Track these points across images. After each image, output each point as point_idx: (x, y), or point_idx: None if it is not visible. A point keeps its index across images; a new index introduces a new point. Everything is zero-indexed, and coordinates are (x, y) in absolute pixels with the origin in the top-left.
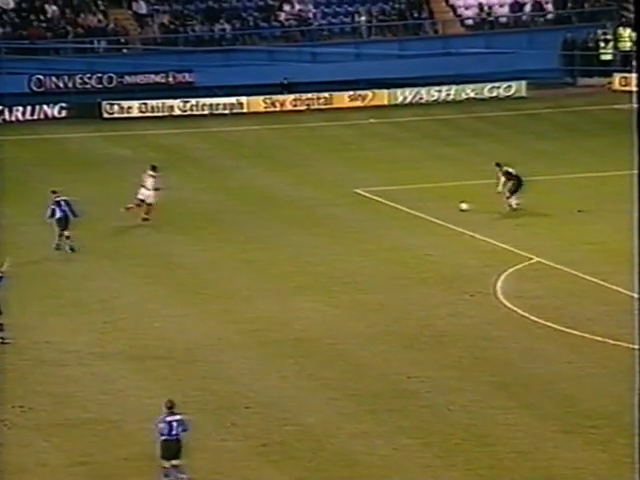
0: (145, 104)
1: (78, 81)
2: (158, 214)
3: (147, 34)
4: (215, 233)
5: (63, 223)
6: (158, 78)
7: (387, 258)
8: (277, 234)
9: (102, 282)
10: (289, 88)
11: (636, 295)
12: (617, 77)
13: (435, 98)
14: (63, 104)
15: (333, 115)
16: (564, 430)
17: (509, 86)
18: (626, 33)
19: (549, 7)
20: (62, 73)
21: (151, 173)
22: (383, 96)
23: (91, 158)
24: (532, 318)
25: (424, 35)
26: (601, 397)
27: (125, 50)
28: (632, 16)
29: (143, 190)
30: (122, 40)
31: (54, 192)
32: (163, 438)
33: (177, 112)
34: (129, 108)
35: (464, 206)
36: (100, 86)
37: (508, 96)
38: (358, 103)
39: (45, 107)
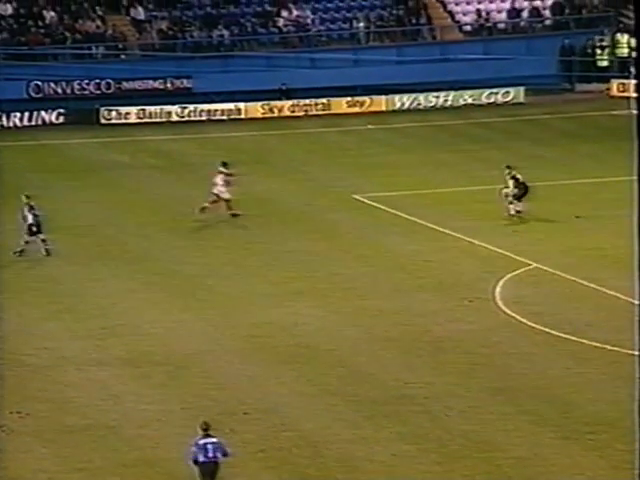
0: (143, 110)
1: (76, 87)
2: (154, 219)
3: (145, 40)
4: (213, 238)
5: (35, 227)
6: (156, 84)
7: (385, 264)
8: (275, 240)
9: (100, 288)
10: (287, 94)
11: (636, 301)
12: (615, 83)
13: (433, 104)
14: (61, 110)
15: (331, 121)
16: (562, 436)
17: (507, 92)
18: (624, 39)
19: (547, 13)
20: (60, 79)
21: (222, 169)
22: (381, 102)
23: (89, 164)
24: (530, 324)
25: (422, 41)
26: (599, 403)
27: (123, 56)
28: (630, 22)
29: (216, 188)
30: (120, 46)
31: (27, 196)
32: (201, 460)
33: (175, 118)
34: (127, 114)
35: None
36: (98, 92)
37: (506, 102)
38: (356, 109)
39: (43, 113)
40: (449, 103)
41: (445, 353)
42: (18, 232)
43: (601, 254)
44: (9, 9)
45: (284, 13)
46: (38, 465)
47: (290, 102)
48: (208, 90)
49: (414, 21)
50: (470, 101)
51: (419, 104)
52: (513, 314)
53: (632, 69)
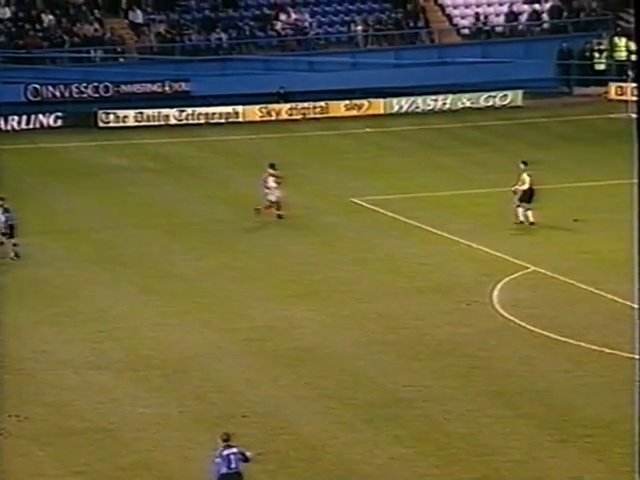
0: (141, 113)
1: (74, 90)
2: (153, 222)
3: (143, 43)
4: (211, 242)
5: (9, 230)
6: (154, 87)
7: (383, 267)
8: (273, 243)
9: (97, 291)
10: (285, 97)
11: (636, 305)
12: (613, 86)
13: (431, 107)
14: (59, 113)
15: (329, 124)
16: (560, 439)
17: (505, 95)
18: (622, 43)
19: (545, 17)
20: (58, 82)
21: (271, 171)
22: (379, 105)
23: (87, 167)
24: (528, 327)
25: (420, 44)
26: (597, 406)
27: (121, 59)
28: (628, 26)
29: (267, 190)
30: (118, 49)
31: (1, 198)
32: (223, 472)
33: (173, 121)
34: (125, 117)
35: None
36: (96, 95)
37: (504, 105)
38: (354, 112)
39: (41, 116)
40: (447, 106)
41: (443, 356)
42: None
43: (599, 257)
44: (7, 12)
45: (282, 16)
46: (36, 468)
47: (288, 105)
48: (206, 93)
49: (412, 24)
50: (468, 104)
51: (417, 107)
52: (511, 317)
53: (630, 72)
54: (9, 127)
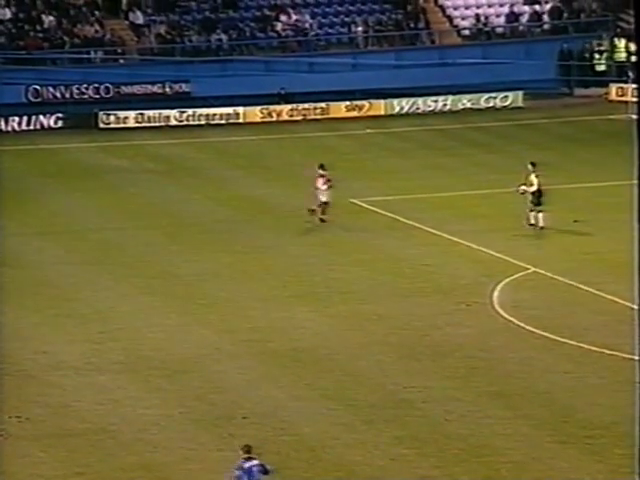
0: (142, 114)
1: (75, 91)
2: (153, 223)
3: (144, 44)
4: (211, 243)
5: None
6: (155, 88)
7: (384, 268)
8: (273, 244)
9: (98, 292)
10: (286, 98)
11: (636, 306)
12: (614, 87)
13: (432, 108)
14: (60, 114)
15: (330, 125)
16: (561, 440)
17: (506, 96)
18: (622, 44)
19: (545, 18)
20: (59, 83)
21: (321, 172)
22: (380, 106)
23: (87, 168)
24: (529, 328)
25: (421, 45)
26: (598, 407)
27: (122, 60)
28: (628, 27)
29: (317, 191)
30: (119, 50)
31: None
32: None
33: (174, 122)
34: (125, 118)
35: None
36: (97, 96)
37: (505, 106)
38: (355, 113)
39: (41, 117)
40: (448, 107)
41: (443, 357)
42: (16, 237)
43: (599, 258)
44: (7, 13)
45: (283, 17)
46: (36, 469)
47: (289, 106)
48: (207, 94)
49: (413, 25)
50: (469, 105)
51: (418, 108)
52: (511, 318)
53: (630, 73)
54: (9, 128)
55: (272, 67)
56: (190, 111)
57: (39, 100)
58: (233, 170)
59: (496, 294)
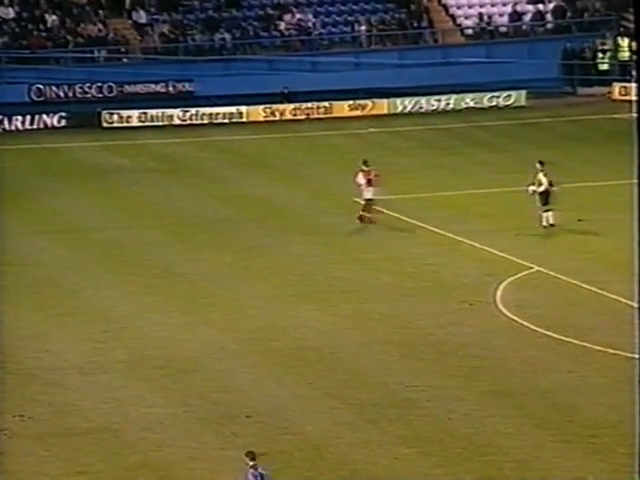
0: (145, 113)
1: (78, 90)
2: (156, 222)
3: (147, 43)
4: (214, 242)
5: None
6: (158, 87)
7: (386, 267)
8: (276, 243)
9: (101, 291)
10: (289, 97)
11: (636, 304)
12: (617, 87)
13: (435, 107)
14: (63, 113)
15: (333, 124)
16: (564, 439)
17: (509, 95)
18: (625, 43)
19: (549, 17)
20: (62, 82)
21: (363, 168)
22: (383, 105)
23: (91, 167)
24: (532, 327)
25: (424, 44)
26: (601, 407)
27: (125, 59)
28: (631, 26)
29: (361, 188)
30: (122, 49)
31: None
32: None
33: (177, 121)
34: (129, 117)
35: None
36: (100, 95)
37: (508, 105)
38: (358, 112)
39: (45, 116)
40: (451, 106)
41: (447, 356)
42: (19, 236)
43: (603, 257)
44: (11, 13)
45: (286, 16)
46: (39, 468)
47: (292, 105)
48: (210, 93)
49: (416, 25)
50: (472, 104)
51: (421, 107)
52: (514, 317)
53: (633, 72)
54: (13, 127)
55: (275, 66)
56: (193, 110)
57: (42, 99)
58: (236, 169)
59: (499, 293)
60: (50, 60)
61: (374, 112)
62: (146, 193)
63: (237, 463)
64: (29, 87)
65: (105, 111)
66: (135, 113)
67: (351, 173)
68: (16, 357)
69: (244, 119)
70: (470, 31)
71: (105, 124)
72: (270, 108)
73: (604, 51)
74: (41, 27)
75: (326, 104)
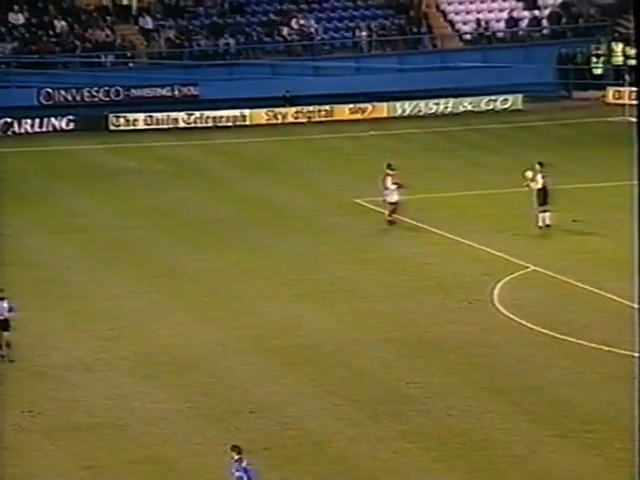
0: (151, 116)
1: (86, 94)
2: (161, 223)
3: (153, 49)
4: (218, 242)
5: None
6: (164, 91)
7: (387, 267)
8: (279, 243)
9: (108, 290)
10: (291, 101)
11: (635, 305)
12: (611, 90)
13: (433, 111)
14: (71, 117)
15: (334, 127)
16: (560, 434)
17: (506, 99)
18: (619, 48)
19: (544, 23)
20: (70, 86)
21: (389, 172)
22: (382, 109)
23: (98, 169)
24: (528, 325)
25: (423, 49)
26: (596, 402)
27: (132, 64)
28: (625, 31)
29: (386, 191)
30: (129, 54)
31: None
32: None
33: (182, 124)
34: (135, 120)
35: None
36: (107, 99)
37: (505, 109)
38: (358, 116)
39: (53, 120)
40: (449, 110)
41: (445, 354)
42: (28, 236)
43: (598, 257)
44: (21, 19)
45: (289, 22)
46: (48, 462)
47: (294, 109)
48: (214, 97)
49: (415, 30)
50: (469, 108)
51: (420, 111)
52: (511, 315)
53: (627, 77)
54: (22, 130)
55: (278, 71)
56: (198, 113)
57: (51, 103)
58: (239, 171)
59: (497, 292)
60: (59, 65)
61: (374, 115)
62: (152, 194)
63: (232, 465)
64: (38, 91)
65: (112, 114)
66: (141, 116)
67: (353, 175)
68: (25, 354)
69: (247, 122)
70: (468, 36)
71: (112, 127)
72: (273, 111)
73: (598, 56)
74: (50, 33)
75: (327, 107)
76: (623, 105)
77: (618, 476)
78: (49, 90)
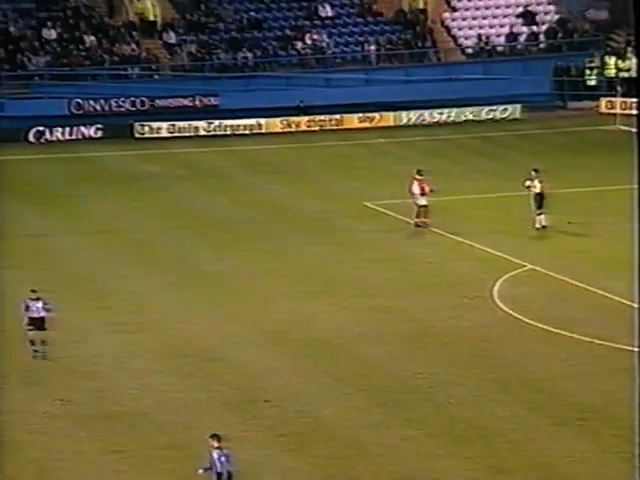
0: (173, 125)
1: (113, 104)
2: (183, 224)
3: (176, 62)
4: (236, 242)
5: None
6: (186, 101)
7: (393, 265)
8: (293, 243)
9: (133, 287)
10: (304, 111)
11: (636, 305)
12: (603, 101)
13: (437, 120)
14: (99, 125)
15: (344, 135)
16: (555, 422)
17: (505, 109)
18: (611, 61)
19: (542, 37)
20: (99, 97)
21: (417, 177)
22: (390, 118)
23: (124, 174)
24: (526, 320)
25: (428, 62)
26: (589, 392)
27: (156, 76)
28: (617, 46)
29: (415, 196)
30: (153, 67)
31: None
32: (220, 471)
33: (202, 132)
34: (159, 129)
35: (528, 183)
36: (133, 109)
37: (504, 118)
38: (367, 124)
39: (83, 128)
40: (452, 119)
41: (448, 346)
42: (61, 236)
43: (591, 257)
44: (53, 34)
45: (303, 37)
46: (77, 447)
47: (307, 118)
48: (233, 107)
49: (421, 44)
50: (471, 117)
51: (424, 120)
52: (510, 311)
53: (619, 88)
54: (54, 138)
55: (292, 82)
56: (217, 122)
57: (81, 112)
58: (256, 176)
59: (496, 289)
60: (88, 77)
61: (382, 124)
62: (174, 197)
63: (257, 443)
64: (69, 101)
65: (137, 123)
66: (165, 125)
67: (362, 180)
68: (57, 346)
69: (263, 130)
70: (470, 50)
71: (137, 135)
72: (287, 120)
73: (592, 68)
74: (80, 47)
75: (338, 117)
76: (615, 114)
77: (609, 461)
78: (79, 100)
